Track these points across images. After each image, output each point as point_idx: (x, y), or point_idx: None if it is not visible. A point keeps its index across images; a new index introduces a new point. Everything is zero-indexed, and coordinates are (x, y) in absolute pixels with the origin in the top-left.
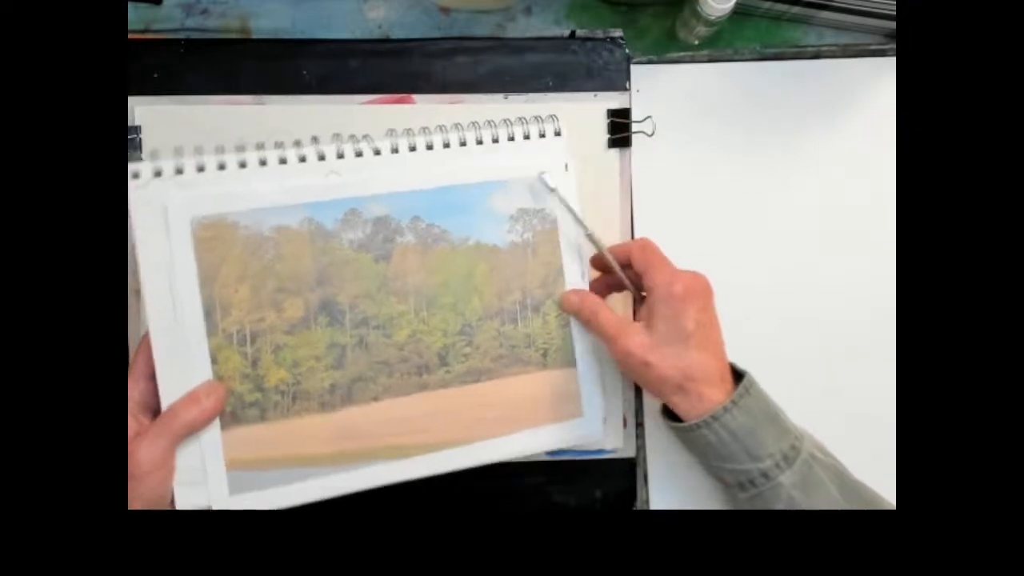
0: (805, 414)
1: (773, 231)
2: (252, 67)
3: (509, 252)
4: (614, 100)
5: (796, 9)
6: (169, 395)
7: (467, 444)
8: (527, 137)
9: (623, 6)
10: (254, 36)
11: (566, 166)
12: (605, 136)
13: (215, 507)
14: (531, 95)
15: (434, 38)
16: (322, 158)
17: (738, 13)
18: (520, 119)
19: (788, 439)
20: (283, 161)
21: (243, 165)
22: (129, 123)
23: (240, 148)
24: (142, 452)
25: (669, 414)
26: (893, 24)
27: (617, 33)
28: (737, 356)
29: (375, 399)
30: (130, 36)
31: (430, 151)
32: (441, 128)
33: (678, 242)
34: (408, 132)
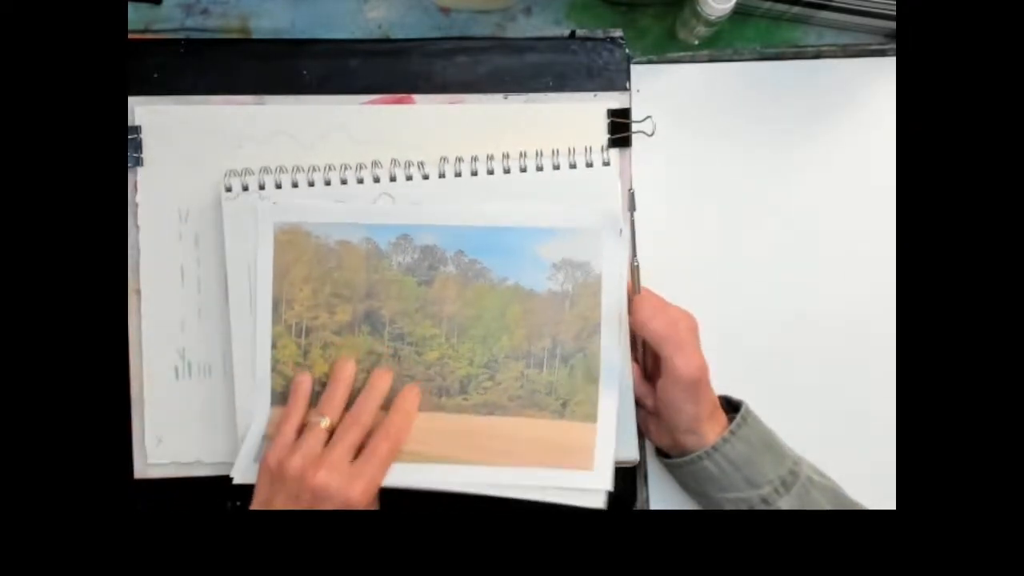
0: (805, 414)
1: (773, 230)
2: (252, 67)
3: (546, 299)
4: (614, 100)
5: (796, 9)
6: (241, 370)
7: (465, 464)
8: (573, 166)
9: (623, 6)
10: (254, 36)
11: (621, 231)
12: (605, 136)
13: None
14: (531, 95)
15: (434, 38)
16: (377, 180)
17: (738, 13)
18: (570, 150)
19: (786, 464)
20: (344, 182)
21: (311, 184)
22: (129, 123)
23: (312, 169)
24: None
25: (663, 454)
26: (893, 24)
27: (617, 33)
28: (736, 356)
29: None
30: (130, 36)
31: (483, 177)
32: (489, 157)
33: (678, 242)
34: (459, 160)
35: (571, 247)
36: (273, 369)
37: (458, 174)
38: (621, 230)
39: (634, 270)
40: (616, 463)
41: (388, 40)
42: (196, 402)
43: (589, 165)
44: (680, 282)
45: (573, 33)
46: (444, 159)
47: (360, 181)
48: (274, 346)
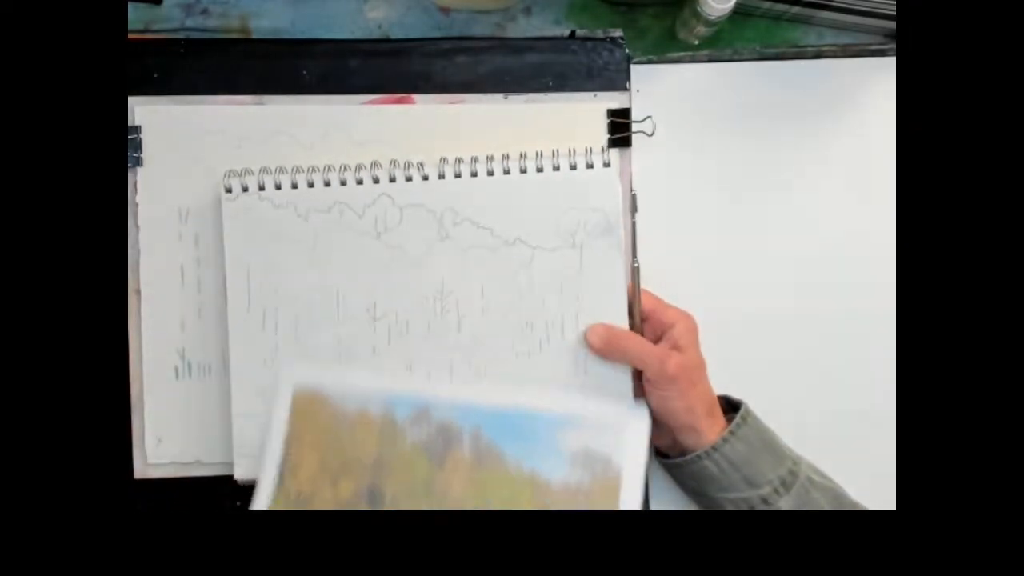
0: (805, 414)
1: (773, 230)
2: (252, 67)
3: (559, 492)
4: (614, 100)
5: (796, 9)
6: (238, 374)
7: None
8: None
9: (623, 6)
10: (254, 36)
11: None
12: (605, 136)
13: None
14: (531, 95)
15: (434, 38)
16: (376, 181)
17: (738, 13)
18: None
19: (786, 464)
20: (343, 182)
21: (311, 184)
22: (129, 123)
23: (312, 170)
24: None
25: (661, 454)
26: (893, 24)
27: (617, 33)
28: (736, 357)
29: None
30: (130, 36)
31: (483, 179)
32: (489, 159)
33: (678, 242)
34: (459, 161)
35: (593, 437)
36: None
37: (458, 175)
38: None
39: (634, 271)
40: None
41: (388, 40)
42: (196, 402)
43: (589, 166)
44: (680, 281)
45: (573, 33)
46: (444, 160)
47: (360, 182)
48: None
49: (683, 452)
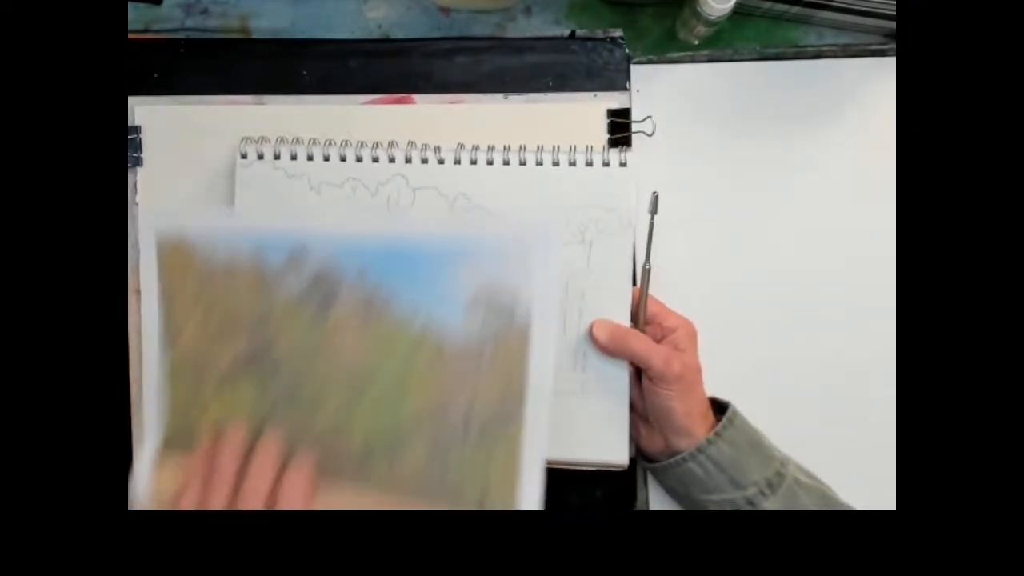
0: (804, 413)
1: (773, 230)
2: (252, 67)
3: (460, 347)
4: (614, 100)
5: (796, 9)
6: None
7: None
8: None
9: (623, 6)
10: (254, 36)
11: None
12: (605, 136)
13: None
14: (531, 95)
15: (434, 38)
16: (392, 160)
17: (738, 13)
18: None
19: (772, 465)
20: (359, 159)
21: (327, 158)
22: (129, 123)
23: (328, 143)
24: None
25: (646, 459)
26: (893, 24)
27: (617, 33)
28: (735, 355)
29: None
30: (130, 36)
31: (498, 167)
32: (506, 148)
33: (678, 242)
34: (475, 148)
35: (499, 270)
36: (167, 411)
37: (474, 162)
38: (639, 222)
39: (645, 273)
40: (605, 466)
41: (388, 40)
42: None
43: (606, 164)
44: (679, 281)
45: (573, 33)
46: (461, 145)
47: (376, 159)
48: (169, 380)
49: (672, 455)
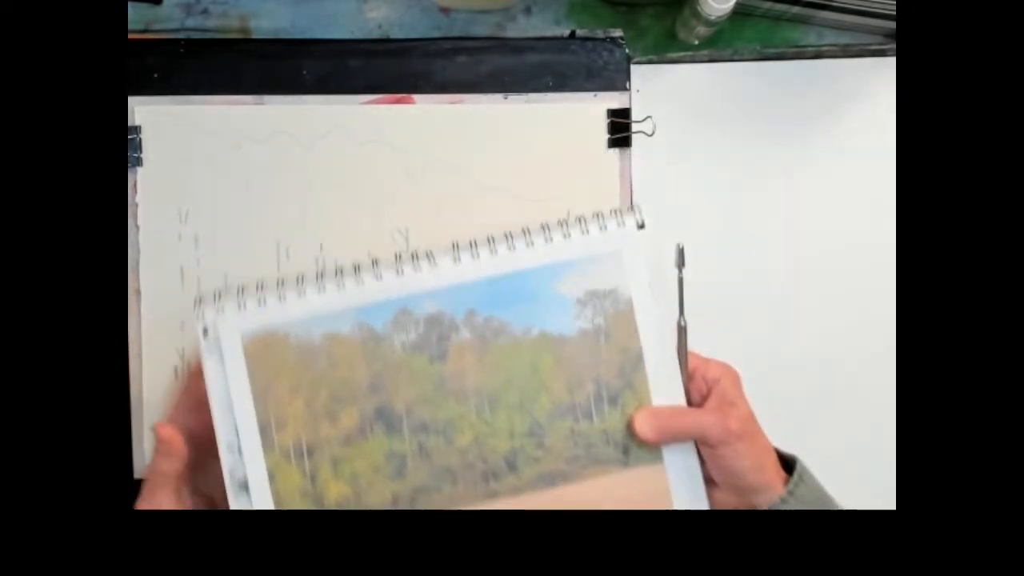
0: (804, 413)
1: (773, 230)
2: (252, 67)
3: (578, 341)
4: (614, 100)
5: (796, 9)
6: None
7: None
8: (603, 228)
9: (623, 6)
10: (254, 36)
11: (641, 223)
12: (605, 136)
13: None
14: (531, 95)
15: (434, 38)
16: (375, 263)
17: (738, 13)
18: (597, 215)
19: None
20: (341, 287)
21: (302, 294)
22: (129, 123)
23: (299, 280)
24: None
25: None
26: (893, 24)
27: (617, 33)
28: (735, 357)
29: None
30: (130, 36)
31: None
32: (507, 236)
33: (678, 242)
34: (472, 244)
35: (592, 276)
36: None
37: (476, 255)
38: (642, 223)
39: (681, 331)
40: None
41: (388, 40)
42: None
43: (620, 224)
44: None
45: (573, 33)
46: (456, 244)
47: (360, 283)
48: (272, 479)
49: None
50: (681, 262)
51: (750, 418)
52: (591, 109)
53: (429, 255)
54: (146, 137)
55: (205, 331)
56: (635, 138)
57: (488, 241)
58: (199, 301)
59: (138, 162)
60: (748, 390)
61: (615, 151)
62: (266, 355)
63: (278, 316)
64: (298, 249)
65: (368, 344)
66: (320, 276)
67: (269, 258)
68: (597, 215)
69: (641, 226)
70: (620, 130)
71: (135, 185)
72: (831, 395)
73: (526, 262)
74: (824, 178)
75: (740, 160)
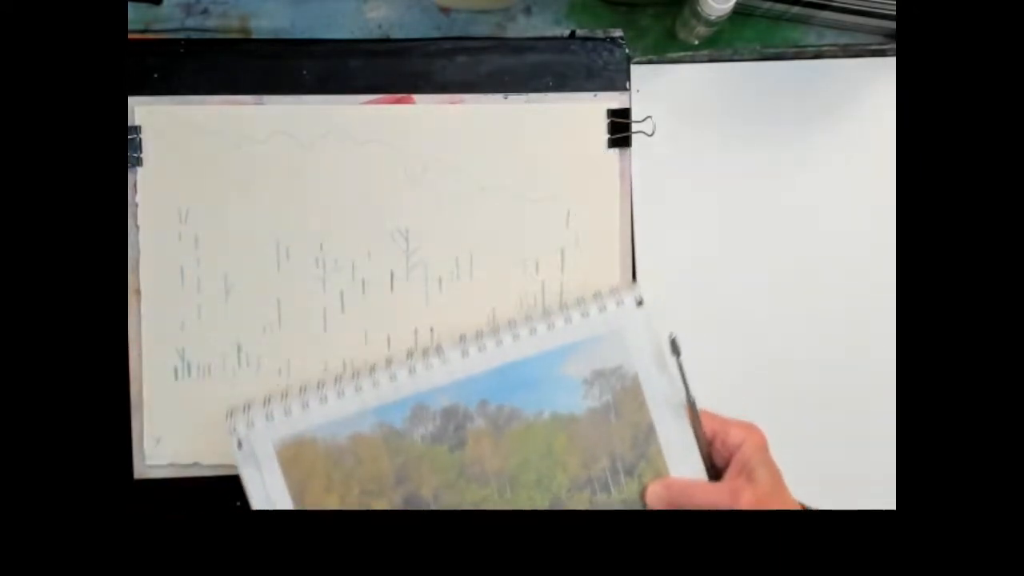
0: (804, 413)
1: (773, 231)
2: (252, 67)
3: (589, 419)
4: (614, 100)
5: (796, 9)
6: None
7: None
8: (603, 309)
9: (623, 6)
10: (254, 36)
11: (639, 301)
12: (605, 136)
13: None
14: (531, 95)
15: (434, 38)
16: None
17: (738, 13)
18: (596, 295)
19: None
20: (359, 389)
21: (324, 400)
22: (129, 123)
23: (320, 385)
24: None
25: None
26: (893, 24)
27: (617, 33)
28: (736, 356)
29: None
30: (130, 36)
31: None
32: (511, 324)
33: (678, 242)
34: (478, 336)
35: (597, 356)
36: None
37: (480, 350)
38: (640, 300)
39: (691, 406)
40: None
41: (388, 40)
42: (195, 403)
43: (619, 304)
44: (679, 281)
45: (573, 33)
46: (463, 337)
47: (376, 385)
48: None
49: None
50: (676, 351)
51: (770, 490)
52: (591, 109)
53: (439, 351)
54: (146, 137)
55: (240, 443)
56: (635, 138)
57: (493, 332)
58: (230, 414)
59: (138, 162)
60: (748, 388)
61: (615, 151)
62: (298, 459)
63: (304, 423)
64: (298, 249)
65: (390, 440)
66: (338, 380)
67: (269, 258)
68: (596, 295)
69: (640, 303)
70: (620, 130)
71: (135, 185)
72: (831, 394)
73: (531, 349)
74: (824, 178)
75: (740, 160)
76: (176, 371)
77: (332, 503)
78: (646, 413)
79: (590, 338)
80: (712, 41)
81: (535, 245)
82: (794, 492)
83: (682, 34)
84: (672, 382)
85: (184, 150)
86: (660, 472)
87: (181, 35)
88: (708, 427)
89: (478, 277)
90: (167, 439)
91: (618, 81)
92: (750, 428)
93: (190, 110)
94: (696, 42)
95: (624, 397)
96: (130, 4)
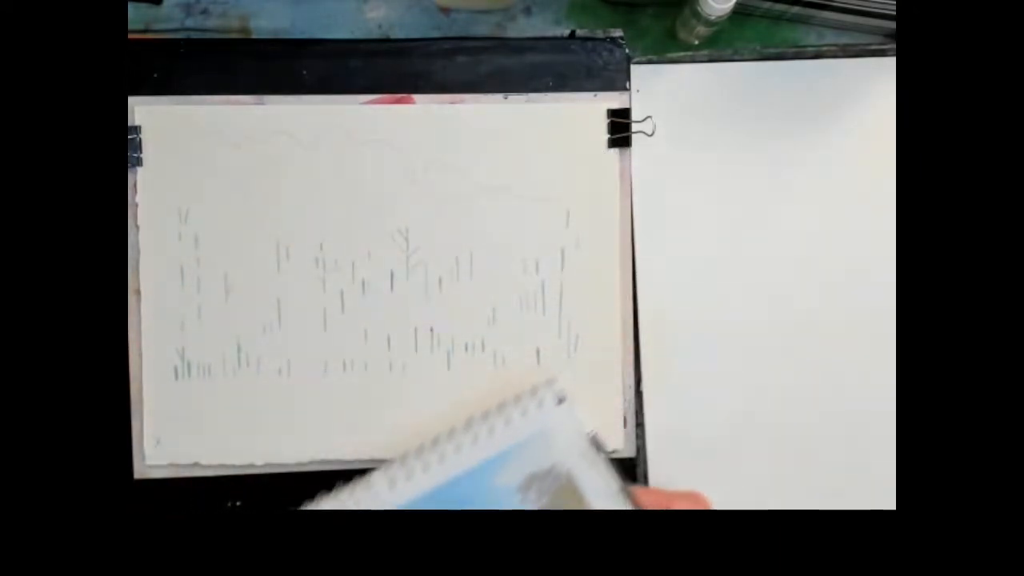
0: (805, 414)
1: (773, 231)
2: (252, 67)
3: None
4: (614, 100)
5: (796, 9)
6: None
7: None
8: (524, 413)
9: (623, 6)
10: (254, 36)
11: (560, 400)
12: (605, 136)
13: None
14: (531, 95)
15: (434, 38)
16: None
17: (738, 13)
18: (517, 398)
19: None
20: None
21: None
22: (129, 123)
23: None
24: None
25: None
26: (893, 24)
27: (617, 33)
28: (735, 357)
29: None
30: (130, 36)
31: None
32: (436, 441)
33: (677, 242)
34: (403, 462)
35: (526, 461)
36: None
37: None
38: (561, 398)
39: (625, 493)
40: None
41: (388, 40)
42: (195, 403)
43: (540, 405)
44: (678, 282)
45: (573, 33)
46: (388, 464)
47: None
48: None
49: None
50: (599, 448)
51: None
52: (591, 109)
53: (367, 484)
54: (146, 137)
55: None
56: (635, 138)
57: (418, 455)
58: None
59: (138, 162)
60: (747, 388)
61: (615, 151)
62: None
63: None
64: (298, 249)
65: None
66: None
67: (269, 258)
68: (516, 398)
69: (560, 401)
70: (620, 130)
71: (135, 185)
72: (830, 393)
73: (459, 467)
74: (824, 178)
75: (740, 160)
76: (176, 371)
77: None
78: (587, 507)
79: (517, 444)
80: (712, 41)
81: (535, 245)
82: (794, 492)
83: (682, 34)
84: (608, 470)
85: (184, 150)
86: None
87: (181, 35)
88: (653, 503)
89: (478, 277)
90: (167, 439)
91: (618, 81)
92: (695, 497)
93: (190, 110)
94: (696, 42)
95: (562, 495)
96: (130, 4)
